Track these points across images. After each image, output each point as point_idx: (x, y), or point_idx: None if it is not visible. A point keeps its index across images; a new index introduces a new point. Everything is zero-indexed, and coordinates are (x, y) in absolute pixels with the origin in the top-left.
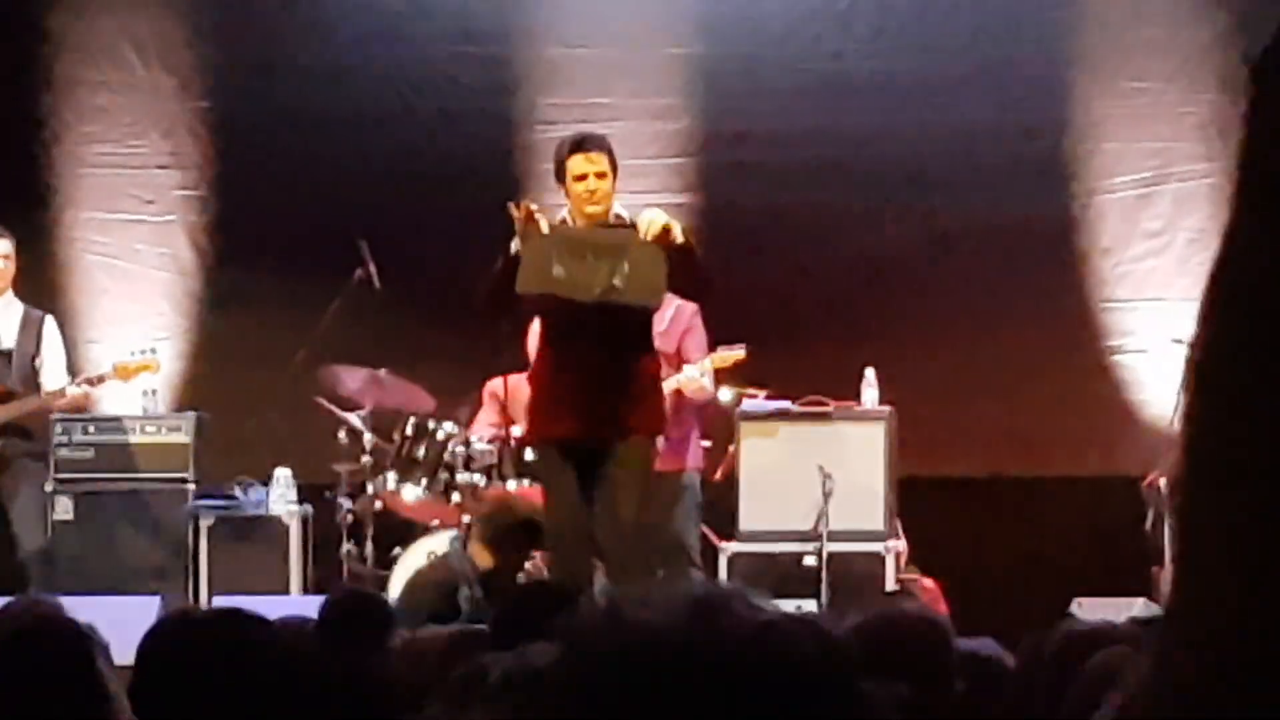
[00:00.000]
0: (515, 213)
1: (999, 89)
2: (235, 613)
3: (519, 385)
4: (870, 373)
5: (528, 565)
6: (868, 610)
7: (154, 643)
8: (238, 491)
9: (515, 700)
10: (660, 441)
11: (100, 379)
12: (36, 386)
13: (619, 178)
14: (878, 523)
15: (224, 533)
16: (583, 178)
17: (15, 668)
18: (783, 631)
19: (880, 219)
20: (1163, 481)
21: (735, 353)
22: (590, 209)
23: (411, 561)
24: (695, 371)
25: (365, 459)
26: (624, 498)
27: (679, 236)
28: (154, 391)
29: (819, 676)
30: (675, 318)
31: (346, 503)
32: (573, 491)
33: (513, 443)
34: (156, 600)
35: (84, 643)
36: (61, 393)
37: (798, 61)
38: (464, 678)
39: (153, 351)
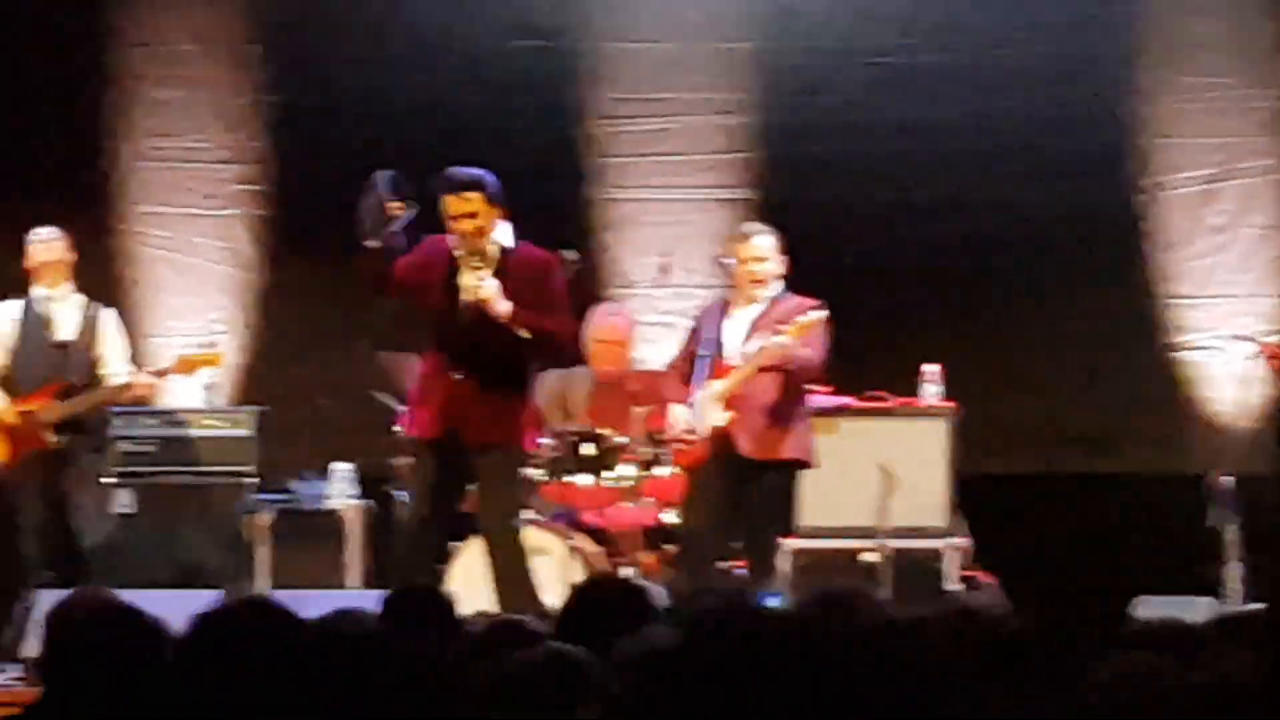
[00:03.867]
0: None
1: (1061, 83)
2: (264, 604)
3: (578, 377)
4: (931, 369)
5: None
6: (932, 606)
7: (197, 634)
8: (298, 485)
9: (635, 680)
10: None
11: (163, 372)
12: (96, 380)
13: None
14: (939, 519)
15: (284, 526)
16: (454, 218)
17: (90, 656)
18: (908, 625)
19: (942, 213)
20: (1224, 479)
21: (811, 316)
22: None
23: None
24: (781, 338)
25: None
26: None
27: (497, 314)
28: (215, 385)
29: (941, 669)
30: (793, 310)
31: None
32: None
33: (572, 437)
34: (216, 595)
35: (156, 636)
36: (126, 386)
37: (859, 55)
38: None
39: (214, 345)
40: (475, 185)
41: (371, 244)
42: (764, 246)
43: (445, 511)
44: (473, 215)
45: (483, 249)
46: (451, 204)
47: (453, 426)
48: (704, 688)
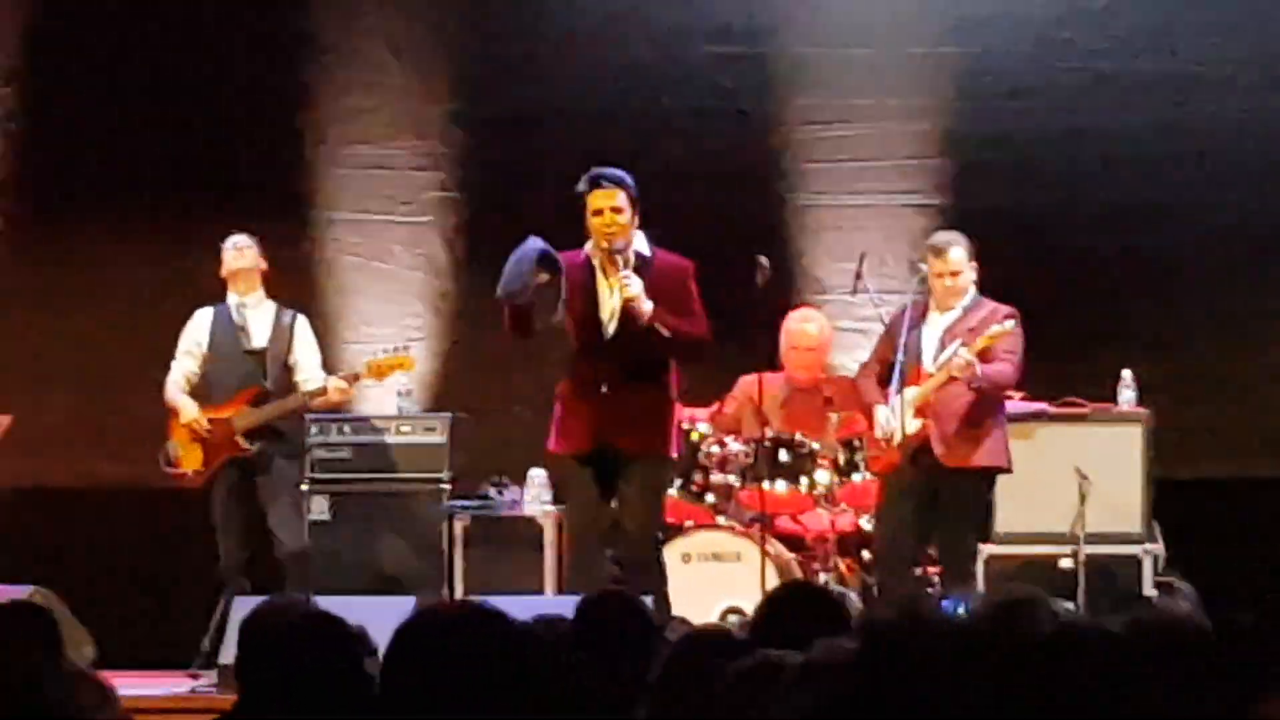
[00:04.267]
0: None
1: (1256, 88)
2: (480, 608)
3: (773, 383)
4: (1127, 374)
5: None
6: (1130, 612)
7: (402, 638)
8: (492, 492)
9: (816, 689)
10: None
11: (355, 377)
12: (289, 386)
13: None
14: (1135, 525)
15: (479, 533)
16: (599, 212)
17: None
18: (1083, 633)
19: (1133, 219)
20: None
21: (1005, 326)
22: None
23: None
24: (965, 354)
25: None
26: None
27: (643, 313)
28: (409, 391)
29: (1117, 676)
30: (988, 318)
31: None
32: None
33: (768, 443)
34: (411, 601)
35: (352, 642)
36: (321, 391)
37: (1053, 61)
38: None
39: (406, 349)
40: (620, 182)
41: (511, 301)
42: (958, 260)
43: (606, 523)
44: (618, 210)
45: (623, 249)
46: (598, 198)
47: (604, 439)
48: (878, 696)
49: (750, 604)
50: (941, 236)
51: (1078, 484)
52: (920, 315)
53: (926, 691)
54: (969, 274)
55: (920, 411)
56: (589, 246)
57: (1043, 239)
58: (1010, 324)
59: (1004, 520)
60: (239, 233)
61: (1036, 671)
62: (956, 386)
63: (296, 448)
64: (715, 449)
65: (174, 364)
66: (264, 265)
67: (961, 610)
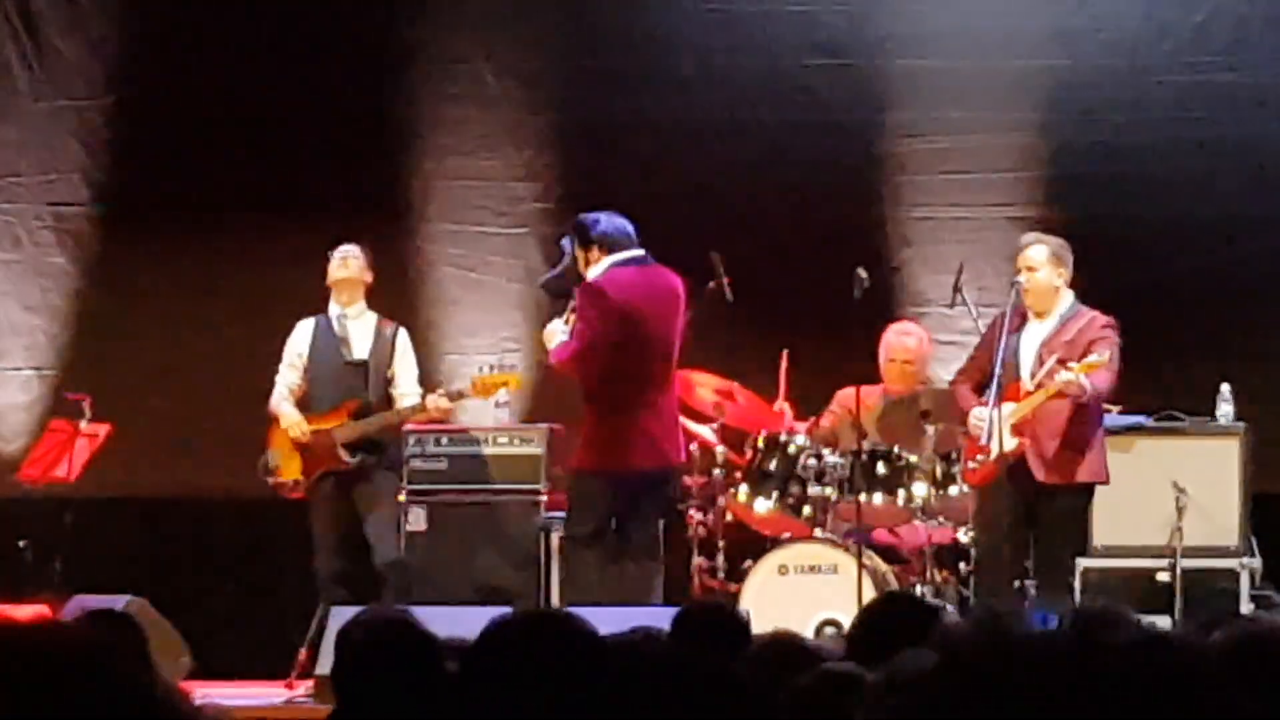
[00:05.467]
0: None
1: None
2: (566, 617)
3: (871, 395)
4: (1225, 387)
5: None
6: (1230, 627)
7: (484, 645)
8: None
9: (897, 701)
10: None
11: (459, 394)
12: (390, 398)
13: None
14: (1232, 539)
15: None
16: None
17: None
18: (1169, 648)
19: (1236, 230)
20: None
21: (1097, 358)
22: None
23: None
24: (1072, 375)
25: (717, 471)
26: None
27: None
28: (506, 403)
29: (1201, 691)
30: (1086, 328)
31: (698, 515)
32: None
33: (865, 455)
34: (508, 612)
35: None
36: (421, 407)
37: (1152, 73)
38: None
39: (512, 366)
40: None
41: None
42: (1035, 257)
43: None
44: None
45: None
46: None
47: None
48: (956, 711)
49: (847, 616)
50: (1026, 236)
51: (1175, 497)
52: (1018, 323)
53: (1005, 706)
54: (1048, 274)
55: (1017, 430)
56: None
57: (1141, 250)
58: (1101, 357)
59: (1101, 533)
60: (348, 243)
61: (1120, 687)
62: (1055, 403)
63: (395, 459)
64: (812, 461)
65: (278, 376)
66: (369, 277)
67: (1053, 624)
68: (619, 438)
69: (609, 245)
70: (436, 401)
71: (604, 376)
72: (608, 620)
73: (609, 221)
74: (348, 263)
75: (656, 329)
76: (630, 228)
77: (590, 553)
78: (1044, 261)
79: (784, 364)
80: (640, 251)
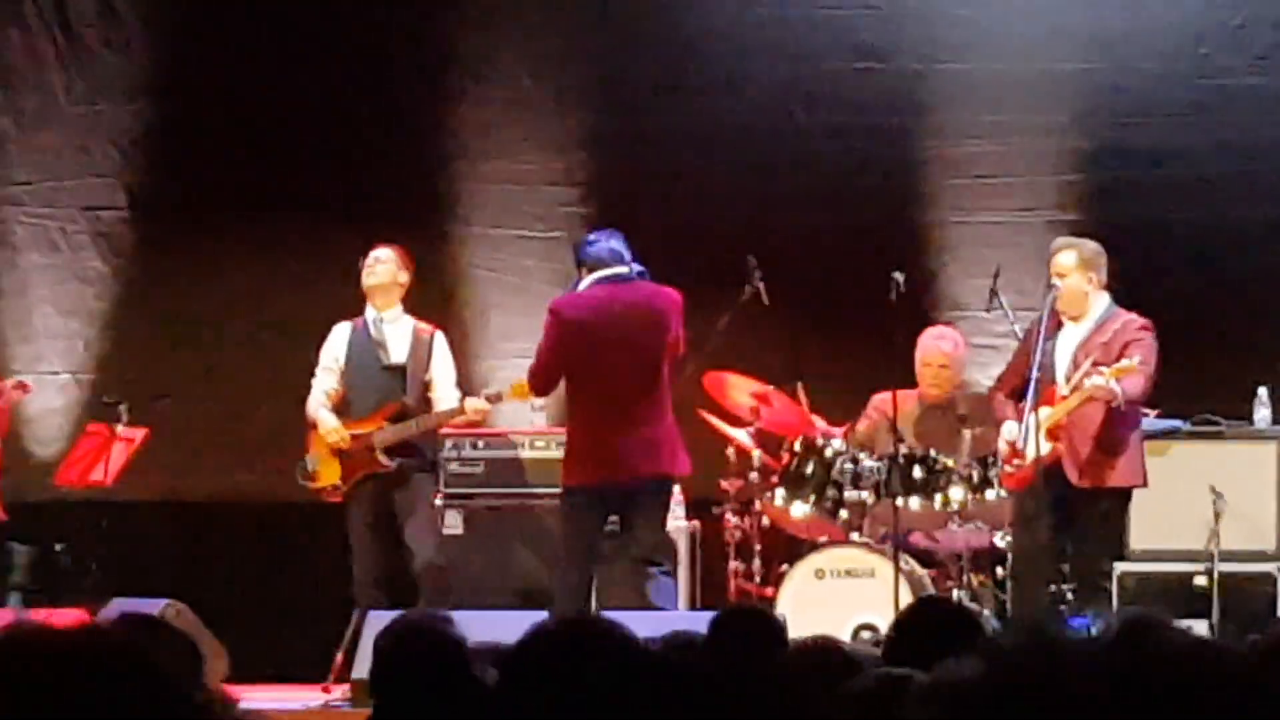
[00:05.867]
0: None
1: None
2: (606, 623)
3: (907, 400)
4: (1263, 391)
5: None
6: (1264, 631)
7: (524, 651)
8: None
9: (941, 709)
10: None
11: (498, 397)
12: (427, 402)
13: None
14: (1269, 543)
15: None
16: None
17: (419, 678)
18: (1213, 654)
19: (1268, 234)
20: None
21: (1128, 363)
22: None
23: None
24: (1104, 381)
25: (753, 475)
26: None
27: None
28: (542, 407)
29: (1245, 698)
30: (1121, 330)
31: (734, 519)
32: None
33: (902, 459)
34: (545, 616)
35: (462, 656)
36: (459, 411)
37: (1189, 78)
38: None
39: None
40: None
41: None
42: (1064, 263)
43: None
44: None
45: None
46: None
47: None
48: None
49: (883, 621)
50: (1057, 241)
51: (1212, 501)
52: (1055, 327)
53: (1054, 716)
54: (1078, 279)
55: (1052, 434)
56: None
57: (1178, 254)
58: (1133, 361)
59: (1138, 537)
60: (382, 246)
61: (1168, 696)
62: (1090, 408)
63: (431, 462)
64: (849, 466)
65: (315, 380)
66: (405, 279)
67: (1092, 629)
68: (591, 453)
69: (592, 265)
70: (474, 405)
71: (570, 394)
72: (644, 625)
73: (602, 242)
74: (375, 269)
75: (627, 345)
76: (622, 247)
77: (572, 570)
78: (1073, 267)
79: (803, 396)
80: (623, 269)
